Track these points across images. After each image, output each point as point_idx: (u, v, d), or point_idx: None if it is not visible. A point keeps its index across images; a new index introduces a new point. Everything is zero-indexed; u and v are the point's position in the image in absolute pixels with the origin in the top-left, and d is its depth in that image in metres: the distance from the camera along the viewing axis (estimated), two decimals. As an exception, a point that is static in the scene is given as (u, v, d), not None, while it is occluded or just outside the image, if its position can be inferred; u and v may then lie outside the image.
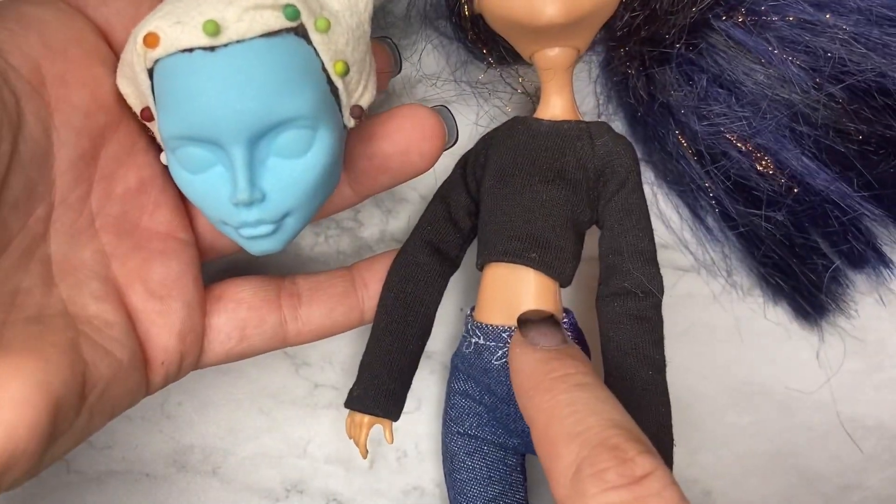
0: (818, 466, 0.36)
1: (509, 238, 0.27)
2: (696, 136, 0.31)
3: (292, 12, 0.22)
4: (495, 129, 0.30)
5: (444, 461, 0.31)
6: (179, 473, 0.35)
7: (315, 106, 0.23)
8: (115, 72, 0.25)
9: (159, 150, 0.27)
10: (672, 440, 0.26)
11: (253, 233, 0.24)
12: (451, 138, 0.28)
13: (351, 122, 0.25)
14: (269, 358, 0.35)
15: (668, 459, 0.25)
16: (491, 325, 0.28)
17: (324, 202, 0.26)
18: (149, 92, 0.24)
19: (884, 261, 0.33)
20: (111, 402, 0.25)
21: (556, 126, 0.28)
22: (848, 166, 0.31)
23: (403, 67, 0.32)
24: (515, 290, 0.28)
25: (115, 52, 0.26)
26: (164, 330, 0.26)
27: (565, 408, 0.22)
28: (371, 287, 0.30)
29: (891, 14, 0.29)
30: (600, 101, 0.34)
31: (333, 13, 0.24)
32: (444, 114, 0.28)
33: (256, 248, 0.25)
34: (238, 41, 0.22)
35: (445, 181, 0.30)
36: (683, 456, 0.36)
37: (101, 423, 0.25)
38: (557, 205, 0.27)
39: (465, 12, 0.29)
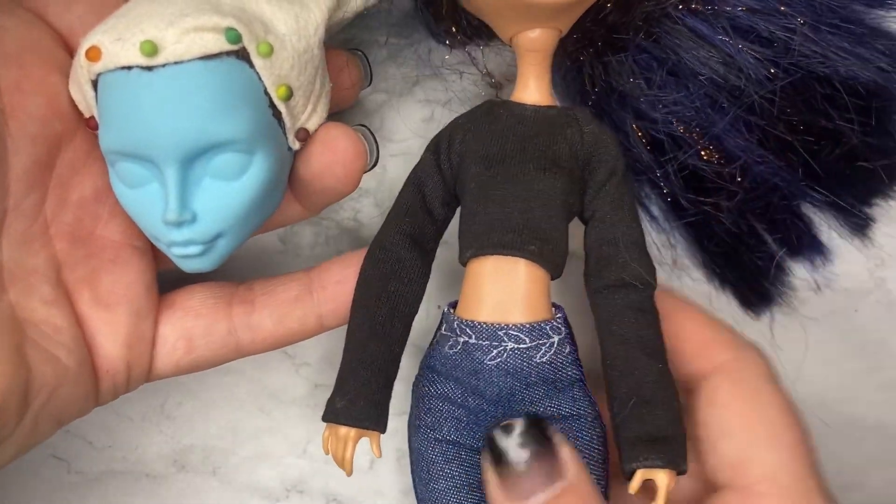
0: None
1: (505, 229, 0.26)
2: (652, 125, 0.31)
3: (233, 36, 0.22)
4: (470, 113, 0.29)
5: (417, 471, 0.28)
6: (179, 473, 0.35)
7: (253, 130, 0.23)
8: None
9: None
10: (685, 432, 0.25)
11: (183, 252, 0.24)
12: (371, 159, 0.27)
13: (296, 145, 0.25)
14: (269, 358, 0.35)
15: (683, 454, 0.24)
16: (484, 324, 0.26)
17: (261, 223, 0.26)
18: (93, 103, 0.24)
19: (819, 248, 0.33)
20: (58, 410, 0.25)
21: (541, 112, 0.27)
22: (794, 155, 0.31)
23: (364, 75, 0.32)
24: (508, 284, 0.26)
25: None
26: (109, 338, 0.26)
27: None
28: (329, 290, 0.29)
29: (836, 6, 0.29)
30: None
31: (279, 36, 0.24)
32: (363, 134, 0.27)
33: (187, 266, 0.25)
34: (176, 62, 0.22)
35: (417, 168, 0.28)
36: (683, 456, 0.36)
37: (47, 430, 0.25)
38: (554, 194, 0.26)
39: None
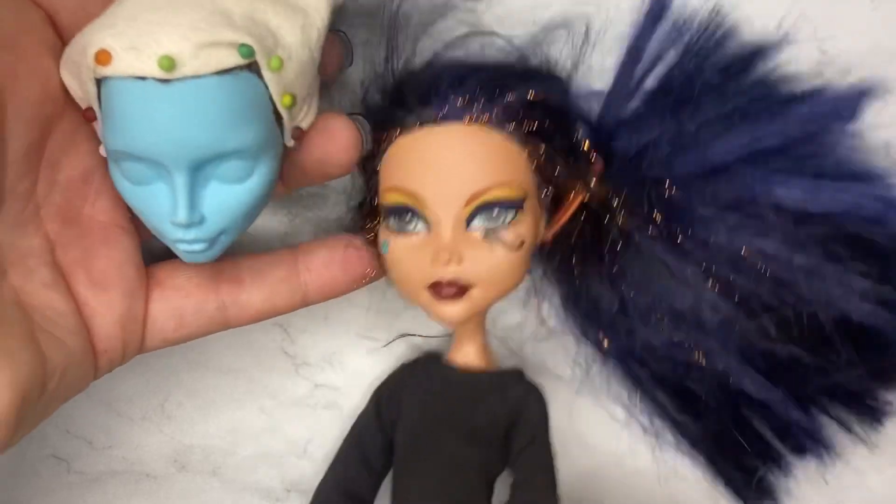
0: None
1: None
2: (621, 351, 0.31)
3: (247, 52, 0.23)
4: (411, 368, 0.30)
5: None
6: (179, 473, 0.35)
7: (260, 139, 0.24)
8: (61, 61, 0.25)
9: (99, 140, 0.27)
10: None
11: (188, 248, 0.25)
12: (366, 146, 0.28)
13: (291, 143, 0.26)
14: (269, 358, 0.35)
15: None
16: None
17: (257, 216, 0.27)
18: (95, 98, 0.24)
19: (825, 446, 0.33)
20: (65, 390, 0.25)
21: (467, 377, 0.29)
22: (786, 374, 0.31)
23: None
24: None
25: (61, 39, 0.25)
26: (104, 319, 0.26)
27: None
28: (315, 272, 0.30)
29: (810, 231, 0.28)
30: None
31: (287, 48, 0.24)
32: (359, 122, 0.28)
33: (190, 259, 0.26)
34: (192, 77, 0.22)
35: (360, 419, 0.30)
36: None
37: (54, 409, 0.25)
38: (474, 466, 0.27)
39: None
